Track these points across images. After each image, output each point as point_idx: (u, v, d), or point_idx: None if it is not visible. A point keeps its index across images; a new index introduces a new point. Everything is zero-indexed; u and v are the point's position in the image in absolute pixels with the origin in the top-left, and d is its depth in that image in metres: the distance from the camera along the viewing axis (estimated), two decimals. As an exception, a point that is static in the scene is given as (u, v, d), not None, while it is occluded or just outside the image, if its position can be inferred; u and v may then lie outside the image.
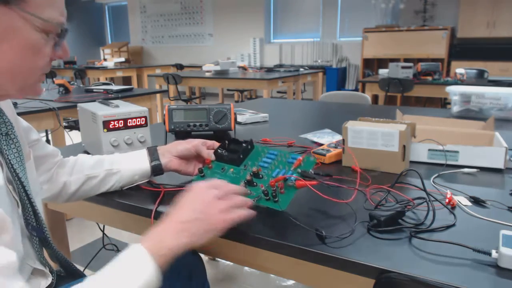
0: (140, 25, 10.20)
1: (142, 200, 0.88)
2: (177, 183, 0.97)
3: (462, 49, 6.35)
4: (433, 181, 0.97)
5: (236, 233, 0.72)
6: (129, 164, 0.92)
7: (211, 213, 0.66)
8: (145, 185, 0.95)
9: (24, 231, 0.70)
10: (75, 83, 4.60)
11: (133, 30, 10.34)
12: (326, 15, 7.77)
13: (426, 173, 1.03)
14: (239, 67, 5.38)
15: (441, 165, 1.08)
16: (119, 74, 6.54)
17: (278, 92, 7.17)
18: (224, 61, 5.04)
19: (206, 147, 0.93)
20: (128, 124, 1.10)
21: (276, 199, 0.78)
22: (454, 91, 1.82)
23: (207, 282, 0.86)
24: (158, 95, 4.56)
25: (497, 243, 0.62)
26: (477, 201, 0.84)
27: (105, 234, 1.34)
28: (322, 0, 7.74)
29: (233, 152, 0.90)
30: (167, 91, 5.23)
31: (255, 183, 0.83)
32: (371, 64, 7.18)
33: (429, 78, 3.98)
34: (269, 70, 5.51)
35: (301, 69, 5.36)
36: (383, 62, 6.99)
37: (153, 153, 0.92)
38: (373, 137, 1.03)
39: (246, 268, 2.07)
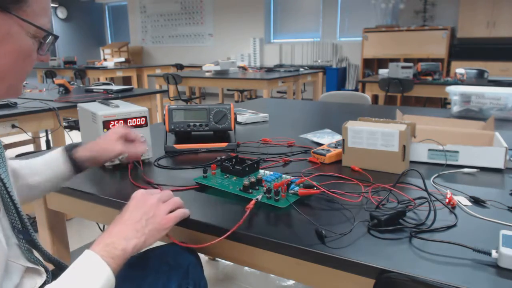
0: (140, 25, 10.19)
1: (142, 200, 0.88)
2: (177, 183, 0.97)
3: (462, 49, 6.35)
4: (433, 181, 0.97)
5: (236, 233, 0.72)
6: (48, 173, 0.91)
7: (158, 214, 0.71)
8: (146, 185, 0.95)
9: (10, 234, 0.71)
10: (75, 83, 4.59)
11: (133, 30, 10.34)
12: (326, 15, 7.77)
13: (426, 173, 1.03)
14: (239, 67, 5.37)
15: (441, 165, 1.08)
16: (119, 74, 6.54)
17: (278, 92, 7.17)
18: (224, 61, 5.04)
19: (128, 138, 0.97)
20: (128, 124, 1.10)
21: (277, 198, 0.80)
22: (454, 91, 1.82)
23: (204, 279, 0.87)
24: (158, 95, 4.56)
25: (497, 243, 0.62)
26: (477, 201, 0.84)
27: (105, 234, 1.34)
28: (322, 0, 7.74)
29: (239, 165, 0.94)
30: (167, 91, 5.23)
31: (257, 187, 0.87)
32: (371, 64, 7.18)
33: (429, 78, 3.98)
34: (269, 70, 5.51)
35: (301, 69, 5.36)
36: (383, 62, 6.99)
37: (72, 161, 0.91)
38: (373, 137, 1.03)
39: (246, 268, 2.07)
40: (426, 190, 0.79)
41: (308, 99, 6.71)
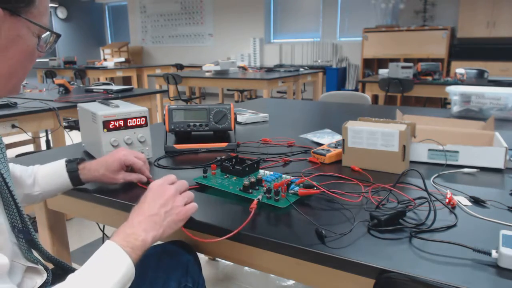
0: (140, 25, 10.19)
1: (142, 200, 0.88)
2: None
3: (462, 49, 6.35)
4: (433, 181, 0.97)
5: (236, 233, 0.72)
6: (49, 184, 0.93)
7: (175, 205, 0.72)
8: (145, 185, 0.95)
9: (10, 233, 0.71)
10: (75, 83, 4.59)
11: (133, 30, 10.34)
12: (326, 15, 7.77)
13: (426, 173, 1.03)
14: (239, 67, 5.37)
15: (441, 165, 1.08)
16: (119, 74, 6.53)
17: (278, 92, 7.17)
18: (224, 61, 5.04)
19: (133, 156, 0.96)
20: (128, 124, 1.10)
21: (277, 198, 0.80)
22: (454, 91, 1.82)
23: (202, 277, 0.87)
24: (158, 95, 4.56)
25: (497, 243, 0.62)
26: (477, 201, 0.84)
27: (105, 234, 1.34)
28: (322, 0, 7.74)
29: (239, 165, 0.94)
30: (167, 91, 5.23)
31: (257, 187, 0.86)
32: (371, 64, 7.18)
33: (429, 78, 3.98)
34: (269, 70, 5.51)
35: (301, 69, 5.36)
36: (383, 62, 6.99)
37: (72, 172, 0.92)
38: (373, 137, 1.03)
39: (246, 268, 2.07)
40: (426, 190, 0.79)
41: (308, 99, 6.71)
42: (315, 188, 0.83)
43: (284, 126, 1.65)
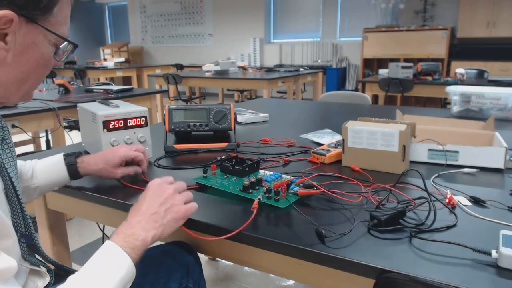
0: (140, 25, 10.19)
1: (142, 200, 0.88)
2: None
3: (462, 49, 6.34)
4: (433, 181, 0.97)
5: (236, 233, 0.72)
6: (47, 177, 0.93)
7: (175, 203, 0.72)
8: (145, 185, 0.95)
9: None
10: (75, 83, 4.59)
11: (133, 30, 10.34)
12: (326, 15, 7.77)
13: (426, 173, 1.03)
14: (239, 67, 5.37)
15: (441, 165, 1.08)
16: (119, 74, 6.53)
17: (278, 92, 7.17)
18: (224, 61, 5.03)
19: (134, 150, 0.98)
20: (128, 124, 1.10)
21: (277, 198, 0.80)
22: (454, 91, 1.82)
23: (203, 278, 0.87)
24: (158, 95, 4.55)
25: (497, 243, 0.62)
26: (477, 201, 0.84)
27: (105, 234, 1.34)
28: (322, 0, 7.74)
29: (239, 165, 0.94)
30: (167, 91, 5.23)
31: (257, 187, 0.86)
32: (371, 64, 7.18)
33: (429, 78, 3.98)
34: (269, 70, 5.51)
35: (301, 69, 5.36)
36: (383, 62, 6.99)
37: (70, 165, 0.93)
38: (373, 137, 1.03)
39: (246, 268, 2.07)
40: (426, 190, 0.79)
41: (308, 99, 6.71)
42: (315, 188, 0.83)
43: (284, 126, 1.65)
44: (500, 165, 1.04)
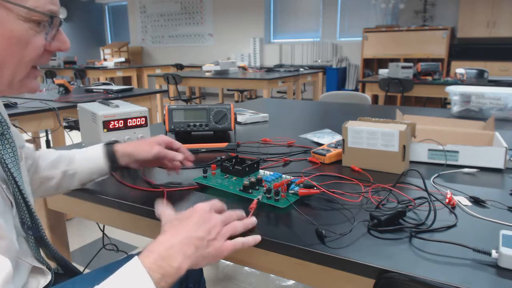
0: (140, 25, 10.19)
1: (142, 200, 0.88)
2: (176, 183, 0.97)
3: (462, 49, 6.35)
4: (433, 181, 0.97)
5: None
6: (86, 164, 0.91)
7: (219, 238, 0.64)
8: (145, 186, 0.95)
9: (20, 230, 0.71)
10: (75, 83, 4.60)
11: (133, 30, 10.34)
12: (326, 15, 7.77)
13: (426, 173, 1.02)
14: (239, 67, 5.37)
15: (441, 165, 1.08)
16: (119, 74, 6.53)
17: (278, 92, 7.17)
18: (224, 61, 5.04)
19: (171, 147, 0.93)
20: (128, 124, 1.10)
21: (277, 198, 0.80)
22: (454, 91, 1.82)
23: (203, 279, 0.87)
24: (158, 95, 4.55)
25: (497, 243, 0.62)
26: (477, 201, 0.84)
27: (105, 234, 1.34)
28: (322, 0, 7.74)
29: (239, 165, 0.93)
30: (167, 91, 5.23)
31: (257, 187, 0.87)
32: (371, 64, 7.18)
33: (429, 78, 3.98)
34: (269, 70, 5.51)
35: (301, 69, 5.36)
36: (383, 62, 6.99)
37: (110, 154, 0.91)
38: (373, 137, 1.03)
39: (246, 268, 2.07)
40: (426, 190, 0.79)
41: (308, 99, 6.72)
42: (315, 188, 0.83)
43: (284, 126, 1.65)
44: (500, 165, 1.04)
